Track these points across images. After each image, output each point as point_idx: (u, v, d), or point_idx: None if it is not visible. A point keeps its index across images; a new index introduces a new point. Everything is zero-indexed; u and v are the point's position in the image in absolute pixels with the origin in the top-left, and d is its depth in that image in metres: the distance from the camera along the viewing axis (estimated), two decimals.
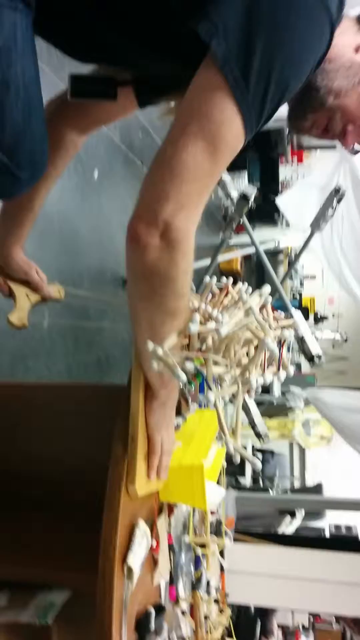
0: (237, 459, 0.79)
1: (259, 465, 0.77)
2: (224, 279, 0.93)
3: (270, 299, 0.82)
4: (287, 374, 0.83)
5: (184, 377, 0.69)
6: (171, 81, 0.85)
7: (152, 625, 0.86)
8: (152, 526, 0.90)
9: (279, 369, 0.83)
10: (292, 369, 0.84)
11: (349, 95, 0.77)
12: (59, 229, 2.11)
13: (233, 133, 0.63)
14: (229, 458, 0.92)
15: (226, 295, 0.90)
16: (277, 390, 4.81)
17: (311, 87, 0.73)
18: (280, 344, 0.82)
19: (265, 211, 4.78)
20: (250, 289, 0.89)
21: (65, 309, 2.17)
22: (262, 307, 0.85)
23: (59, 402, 1.07)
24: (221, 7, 0.62)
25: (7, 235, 0.99)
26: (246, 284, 0.92)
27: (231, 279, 0.92)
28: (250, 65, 0.61)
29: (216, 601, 1.14)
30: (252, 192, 2.05)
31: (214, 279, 0.94)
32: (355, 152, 0.85)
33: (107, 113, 0.98)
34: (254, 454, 4.96)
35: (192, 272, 0.70)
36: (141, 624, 0.84)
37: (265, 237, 4.41)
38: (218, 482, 1.20)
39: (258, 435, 3.27)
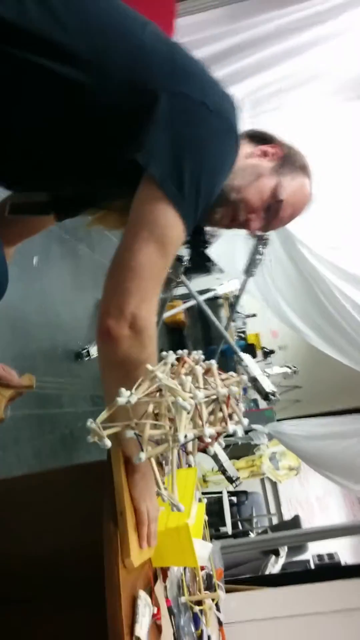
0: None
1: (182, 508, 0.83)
2: (179, 351, 1.02)
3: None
4: (242, 426, 0.92)
5: (109, 444, 0.76)
6: (85, 200, 0.99)
7: None
8: (151, 593, 0.94)
9: (226, 423, 0.92)
10: (245, 421, 0.93)
11: (247, 190, 0.93)
12: (8, 320, 2.17)
13: (176, 233, 0.77)
14: (207, 511, 0.98)
15: (184, 364, 0.99)
16: (239, 431, 4.87)
17: None
18: (223, 400, 0.91)
19: (198, 262, 5.00)
20: (202, 355, 0.99)
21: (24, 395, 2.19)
22: (208, 370, 0.94)
23: (40, 492, 1.11)
24: (151, 136, 0.77)
25: None
26: (200, 352, 1.03)
27: (186, 351, 1.01)
28: (182, 180, 0.75)
29: None
30: (185, 253, 2.19)
31: (171, 352, 1.04)
32: (258, 238, 1.01)
33: (30, 228, 1.12)
34: (228, 499, 4.96)
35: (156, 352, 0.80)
36: None
37: (202, 285, 4.59)
38: (203, 537, 1.25)
39: (230, 479, 3.31)
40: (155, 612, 0.93)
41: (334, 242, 3.27)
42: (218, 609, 1.46)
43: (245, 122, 0.91)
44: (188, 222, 0.77)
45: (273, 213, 0.96)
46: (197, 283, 4.83)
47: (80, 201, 1.00)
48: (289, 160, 0.96)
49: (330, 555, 2.91)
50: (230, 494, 5.24)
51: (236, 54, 2.54)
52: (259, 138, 0.97)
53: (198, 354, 0.99)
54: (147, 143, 0.76)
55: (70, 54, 0.76)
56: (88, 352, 2.96)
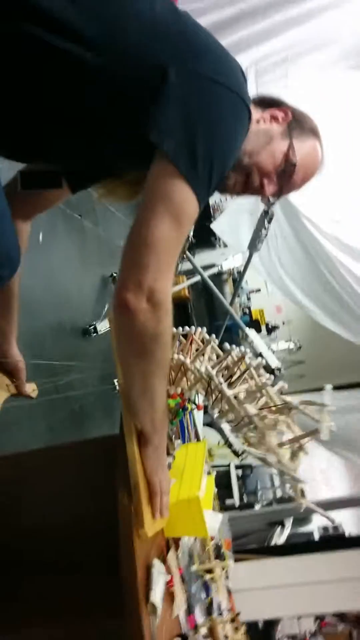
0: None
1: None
2: (186, 328, 1.04)
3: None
4: None
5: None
6: (98, 172, 1.00)
7: None
8: (164, 562, 0.97)
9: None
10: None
11: (260, 154, 0.93)
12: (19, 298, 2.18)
13: (191, 208, 0.78)
14: (217, 483, 1.01)
15: (192, 342, 1.02)
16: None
17: None
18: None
19: (202, 237, 4.99)
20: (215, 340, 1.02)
21: (34, 371, 2.22)
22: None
23: (56, 465, 1.13)
24: (162, 113, 0.76)
25: (6, 327, 1.08)
26: (204, 329, 1.05)
27: (193, 328, 1.03)
28: (195, 156, 0.75)
29: (231, 620, 1.20)
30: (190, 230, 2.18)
31: (179, 329, 1.05)
32: (271, 204, 1.01)
33: (46, 200, 1.10)
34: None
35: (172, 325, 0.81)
36: None
37: (206, 261, 4.58)
38: (212, 508, 1.28)
39: (236, 453, 3.36)
40: (169, 579, 0.96)
41: (338, 215, 3.25)
42: (227, 577, 1.50)
43: (251, 92, 0.90)
44: (202, 197, 0.78)
45: (287, 177, 0.96)
46: (202, 258, 4.82)
47: (92, 173, 1.00)
48: (299, 123, 0.96)
49: (335, 527, 2.97)
50: (236, 467, 5.31)
51: (240, 21, 2.49)
52: (267, 103, 0.96)
53: (203, 332, 1.02)
54: (158, 120, 0.76)
55: (79, 32, 0.75)
56: (95, 328, 2.97)
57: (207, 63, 0.79)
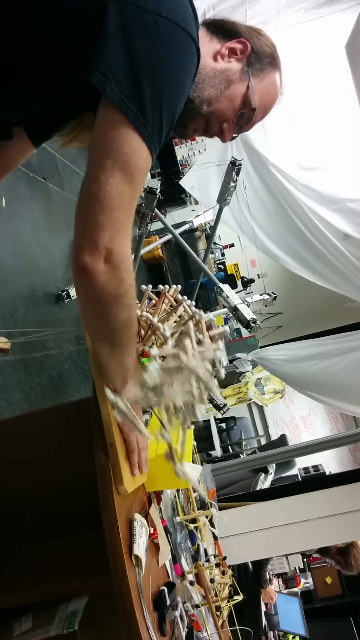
0: None
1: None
2: (160, 286, 1.03)
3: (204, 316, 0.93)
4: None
5: (144, 431, 0.86)
6: (53, 120, 0.94)
7: (168, 601, 0.96)
8: (146, 516, 0.99)
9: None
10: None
11: (219, 100, 0.89)
12: None
13: (143, 158, 0.73)
14: (197, 437, 1.02)
15: (164, 300, 1.01)
16: (224, 360, 4.99)
17: (187, 99, 0.82)
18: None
19: (172, 195, 4.91)
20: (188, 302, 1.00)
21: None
22: (197, 323, 0.96)
23: (33, 431, 1.13)
24: (104, 54, 0.70)
25: None
26: (179, 286, 1.03)
27: (167, 287, 1.02)
28: (142, 100, 0.70)
29: (217, 565, 1.25)
30: (157, 185, 2.14)
31: (150, 286, 1.04)
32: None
33: (7, 161, 1.04)
34: (217, 425, 5.15)
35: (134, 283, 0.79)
36: (158, 603, 0.94)
37: (178, 219, 4.52)
38: (193, 461, 1.30)
39: (217, 407, 3.42)
40: (152, 532, 0.98)
41: (307, 163, 3.21)
42: (212, 525, 1.55)
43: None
44: (153, 145, 0.73)
45: (245, 120, 0.93)
46: (173, 216, 4.76)
47: (50, 121, 0.95)
48: (258, 57, 0.92)
49: (316, 467, 3.07)
50: (220, 420, 5.42)
51: None
52: (223, 31, 0.91)
53: (177, 289, 1.01)
54: (99, 63, 0.70)
55: None
56: (68, 293, 2.94)
57: None
